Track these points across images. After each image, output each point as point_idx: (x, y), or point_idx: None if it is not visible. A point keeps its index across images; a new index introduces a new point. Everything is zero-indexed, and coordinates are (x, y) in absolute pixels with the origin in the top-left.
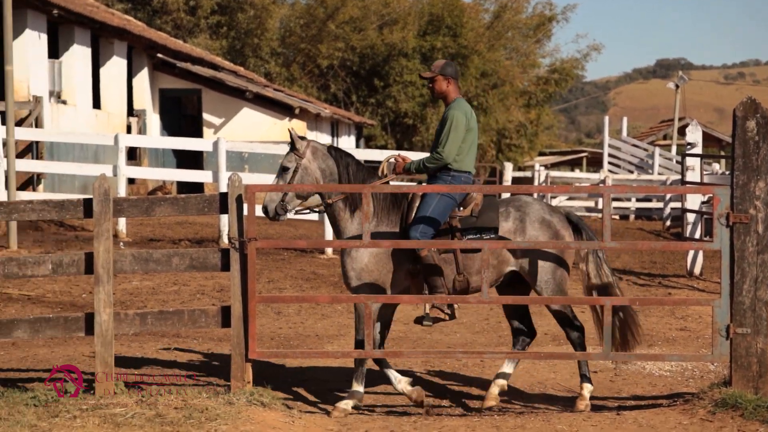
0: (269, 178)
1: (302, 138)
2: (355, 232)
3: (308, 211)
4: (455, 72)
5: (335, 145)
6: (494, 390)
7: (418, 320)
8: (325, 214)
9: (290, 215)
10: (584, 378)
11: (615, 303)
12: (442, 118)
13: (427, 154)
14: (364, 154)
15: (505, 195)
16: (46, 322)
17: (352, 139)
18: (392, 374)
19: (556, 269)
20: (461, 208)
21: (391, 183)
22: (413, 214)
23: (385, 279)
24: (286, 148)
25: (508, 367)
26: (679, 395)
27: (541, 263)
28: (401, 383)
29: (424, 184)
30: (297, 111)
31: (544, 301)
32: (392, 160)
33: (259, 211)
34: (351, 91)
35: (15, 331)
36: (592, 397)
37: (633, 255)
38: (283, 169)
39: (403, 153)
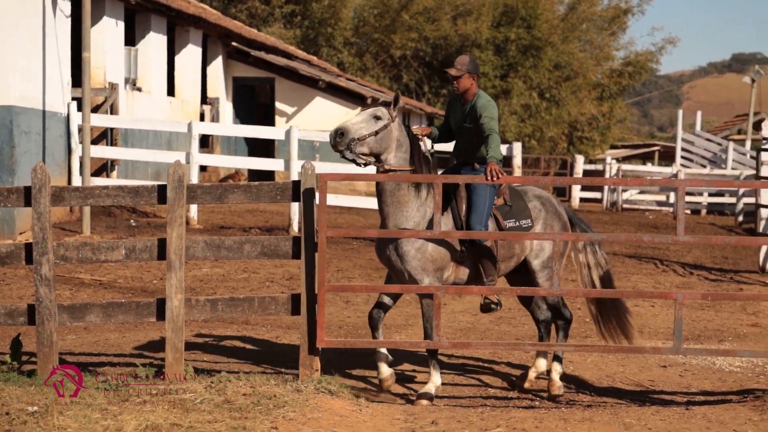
0: (340, 168)
1: (395, 105)
2: (414, 213)
3: (365, 164)
4: (478, 69)
5: None
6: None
7: (486, 309)
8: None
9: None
10: (557, 359)
11: (687, 297)
12: (472, 109)
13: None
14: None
15: (576, 187)
16: (118, 307)
17: None
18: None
19: (550, 257)
20: (496, 197)
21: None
22: (463, 204)
23: (446, 267)
24: None
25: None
26: (749, 391)
27: (543, 251)
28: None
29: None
30: (369, 101)
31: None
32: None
33: (330, 200)
34: (423, 81)
35: (88, 315)
36: (661, 392)
37: (705, 250)
38: (376, 117)
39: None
